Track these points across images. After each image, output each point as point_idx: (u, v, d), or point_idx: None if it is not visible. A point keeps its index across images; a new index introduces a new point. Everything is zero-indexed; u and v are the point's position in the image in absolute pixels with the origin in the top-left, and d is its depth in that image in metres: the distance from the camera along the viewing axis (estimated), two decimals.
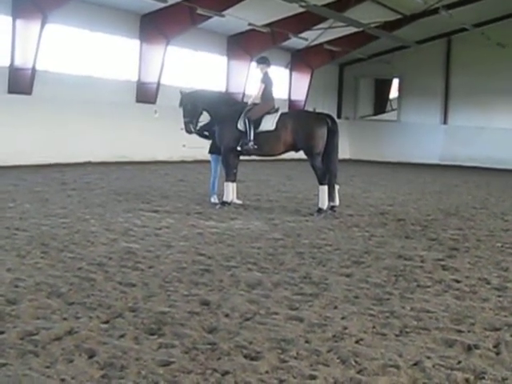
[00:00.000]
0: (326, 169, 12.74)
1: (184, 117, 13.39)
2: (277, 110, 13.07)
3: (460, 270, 8.20)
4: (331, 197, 12.73)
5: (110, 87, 24.86)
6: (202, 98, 13.43)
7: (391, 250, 9.38)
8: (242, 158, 13.53)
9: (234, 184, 13.46)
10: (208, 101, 13.38)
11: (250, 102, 13.42)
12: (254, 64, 13.91)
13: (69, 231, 9.69)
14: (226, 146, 13.08)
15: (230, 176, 13.23)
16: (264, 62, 13.33)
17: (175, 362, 4.71)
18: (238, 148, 12.93)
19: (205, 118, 13.58)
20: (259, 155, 13.51)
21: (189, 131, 13.49)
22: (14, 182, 15.79)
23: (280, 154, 13.34)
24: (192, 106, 13.29)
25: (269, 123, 12.82)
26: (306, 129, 12.76)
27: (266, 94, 13.10)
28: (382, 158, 35.19)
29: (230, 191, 13.24)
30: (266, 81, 13.10)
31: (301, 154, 13.31)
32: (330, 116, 13.22)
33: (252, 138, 12.75)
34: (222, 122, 13.14)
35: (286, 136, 12.81)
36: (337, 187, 12.91)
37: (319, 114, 13.86)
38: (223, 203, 13.07)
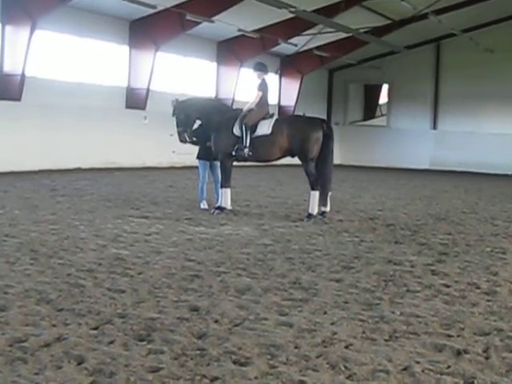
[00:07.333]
0: (320, 174, 12.74)
1: (177, 126, 13.35)
2: (272, 116, 13.07)
3: (449, 274, 8.22)
4: (323, 202, 12.72)
5: (100, 93, 24.78)
6: (194, 106, 13.41)
7: (381, 255, 9.39)
8: (233, 163, 13.47)
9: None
10: (201, 109, 13.35)
11: (245, 108, 13.35)
12: (250, 70, 13.79)
13: (58, 237, 9.66)
14: (224, 152, 13.03)
15: (228, 182, 13.16)
16: (261, 69, 13.26)
17: (164, 368, 4.70)
18: (233, 153, 12.90)
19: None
20: (255, 161, 13.45)
21: (183, 141, 13.44)
22: (3, 188, 15.73)
23: (276, 159, 13.31)
24: (185, 115, 13.25)
25: (264, 127, 12.79)
26: (301, 133, 12.75)
27: (262, 101, 13.07)
28: (371, 164, 35.23)
29: (229, 197, 13.17)
30: (263, 88, 13.07)
31: (290, 160, 13.31)
32: (325, 121, 13.30)
33: (248, 143, 12.73)
34: (217, 129, 13.07)
35: (282, 140, 12.78)
36: (329, 193, 12.90)
37: (315, 118, 13.74)
38: (220, 208, 13.00)
